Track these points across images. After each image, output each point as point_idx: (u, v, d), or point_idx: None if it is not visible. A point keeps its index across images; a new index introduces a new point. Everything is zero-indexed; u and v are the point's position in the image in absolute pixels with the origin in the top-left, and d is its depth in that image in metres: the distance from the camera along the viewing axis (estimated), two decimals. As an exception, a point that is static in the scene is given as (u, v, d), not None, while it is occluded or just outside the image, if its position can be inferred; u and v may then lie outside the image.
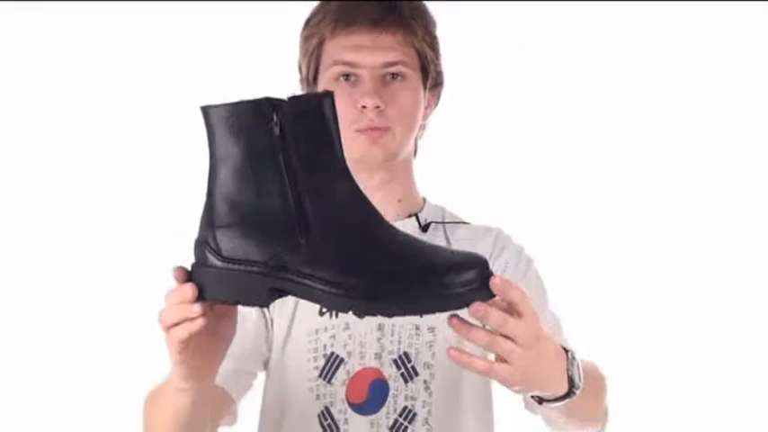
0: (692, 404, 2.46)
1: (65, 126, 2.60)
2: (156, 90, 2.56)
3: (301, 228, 0.95)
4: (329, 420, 1.33)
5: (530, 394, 1.09)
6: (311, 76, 1.42)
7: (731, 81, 2.54)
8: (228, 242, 0.97)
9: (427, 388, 1.34)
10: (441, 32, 1.45)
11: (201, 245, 0.99)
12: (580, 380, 1.08)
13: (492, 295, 0.94)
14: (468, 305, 0.94)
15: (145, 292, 2.45)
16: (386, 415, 1.33)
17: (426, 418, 1.33)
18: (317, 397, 1.34)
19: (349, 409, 1.33)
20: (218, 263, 0.98)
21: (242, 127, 0.95)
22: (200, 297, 0.99)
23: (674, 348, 2.48)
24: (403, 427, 1.32)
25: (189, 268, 1.01)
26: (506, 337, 0.98)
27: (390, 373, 1.34)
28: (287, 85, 1.51)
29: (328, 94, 0.95)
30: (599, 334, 2.39)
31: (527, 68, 2.52)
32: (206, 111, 0.97)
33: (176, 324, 1.01)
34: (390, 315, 0.94)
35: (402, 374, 1.34)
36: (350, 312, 0.94)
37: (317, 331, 1.37)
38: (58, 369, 2.52)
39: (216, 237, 0.98)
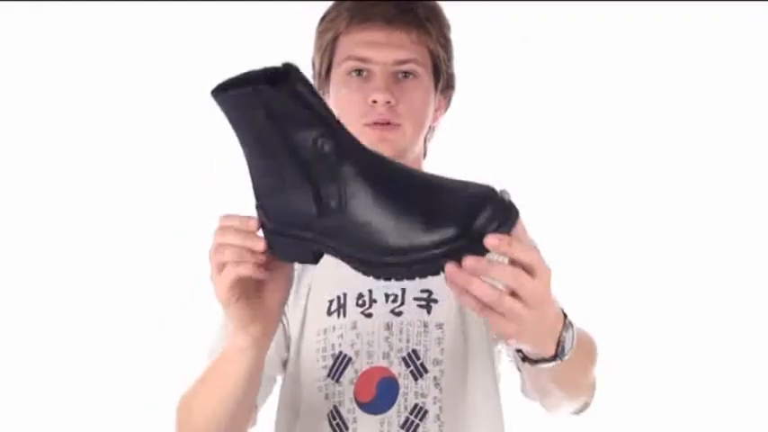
0: (693, 404, 2.47)
1: (66, 126, 2.60)
2: (160, 91, 2.57)
3: (316, 197, 0.97)
4: (338, 420, 1.33)
5: (516, 349, 1.07)
6: (324, 70, 1.43)
7: (731, 80, 2.55)
8: (270, 212, 1.02)
9: (437, 385, 1.33)
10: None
11: (257, 209, 1.04)
12: (571, 347, 1.06)
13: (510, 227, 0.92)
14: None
15: (144, 294, 2.48)
16: (397, 413, 1.32)
17: (438, 415, 1.32)
18: (326, 396, 1.34)
19: (357, 409, 1.33)
20: (268, 224, 1.03)
21: (237, 113, 0.99)
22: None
23: (676, 347, 2.49)
24: (414, 425, 1.32)
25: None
26: (514, 294, 0.93)
27: (400, 371, 1.33)
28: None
29: (290, 66, 0.96)
30: (605, 332, 2.40)
31: (535, 68, 2.53)
32: (216, 98, 0.99)
33: (232, 262, 1.02)
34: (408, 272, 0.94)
35: (411, 372, 1.33)
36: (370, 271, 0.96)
37: (325, 331, 1.37)
38: (59, 370, 2.52)
39: (265, 201, 1.03)
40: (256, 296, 1.08)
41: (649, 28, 2.54)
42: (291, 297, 1.37)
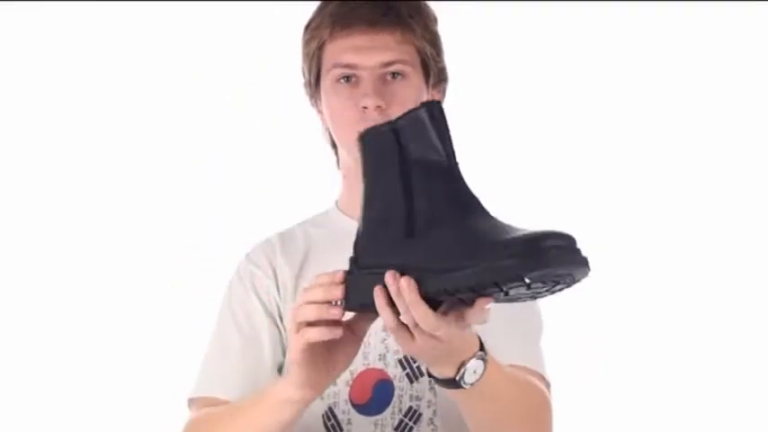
0: (694, 405, 2.46)
1: (65, 126, 2.60)
2: (157, 90, 2.57)
3: (408, 229, 1.00)
4: (332, 421, 1.33)
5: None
6: (313, 79, 1.42)
7: (731, 80, 2.54)
8: (362, 250, 1.06)
9: (432, 388, 1.33)
10: (445, 32, 1.44)
11: (351, 257, 1.08)
12: (476, 377, 1.06)
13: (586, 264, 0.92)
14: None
15: (143, 294, 2.48)
16: (391, 415, 1.32)
17: (431, 419, 1.32)
18: (321, 397, 1.33)
19: (352, 410, 1.33)
20: (354, 271, 1.06)
21: (370, 147, 1.07)
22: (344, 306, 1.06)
23: (676, 348, 2.49)
24: (408, 428, 1.32)
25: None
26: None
27: (395, 373, 1.33)
28: (290, 87, 1.52)
29: (433, 102, 1.02)
30: (605, 334, 2.40)
31: (534, 66, 2.52)
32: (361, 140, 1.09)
33: (311, 324, 1.04)
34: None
35: (407, 375, 1.33)
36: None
37: (320, 331, 1.37)
38: (58, 369, 2.52)
39: (357, 246, 1.07)
40: (323, 360, 1.09)
41: (652, 28, 2.53)
42: (290, 292, 1.38)
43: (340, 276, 1.05)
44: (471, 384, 1.06)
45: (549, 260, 0.88)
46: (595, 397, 2.36)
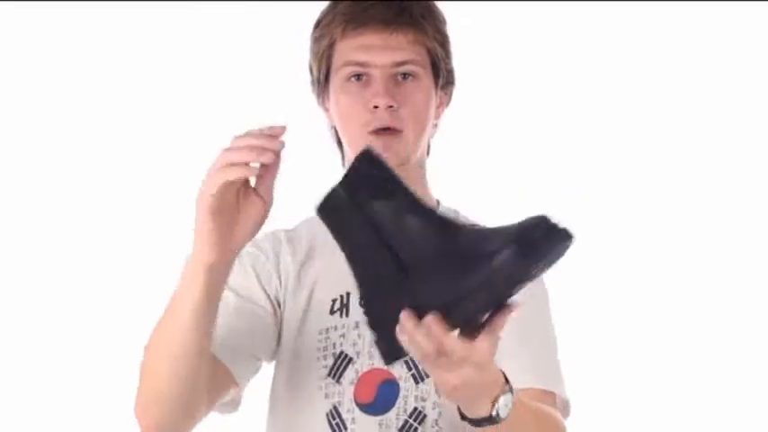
0: (694, 406, 2.47)
1: (65, 126, 2.60)
2: (157, 91, 2.57)
3: (400, 272, 1.01)
4: (337, 420, 1.33)
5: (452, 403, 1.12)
6: (323, 76, 1.41)
7: (732, 82, 2.55)
8: (371, 309, 1.07)
9: (437, 390, 1.33)
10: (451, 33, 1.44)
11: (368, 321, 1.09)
12: (508, 411, 1.08)
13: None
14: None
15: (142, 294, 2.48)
16: (396, 416, 1.32)
17: (436, 420, 1.33)
18: (326, 396, 1.34)
19: (357, 409, 1.33)
20: (375, 331, 1.07)
21: (327, 213, 1.07)
22: None
23: (677, 349, 2.49)
24: (413, 429, 1.32)
25: None
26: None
27: (401, 373, 1.34)
28: (294, 86, 1.52)
29: (365, 150, 1.04)
30: (607, 337, 2.40)
31: (539, 69, 2.53)
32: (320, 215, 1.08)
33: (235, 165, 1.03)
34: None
35: (413, 375, 1.33)
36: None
37: (327, 330, 1.37)
38: (58, 369, 2.52)
39: (367, 306, 1.07)
40: (227, 223, 1.08)
41: (654, 29, 2.54)
42: (292, 284, 1.38)
43: (280, 129, 1.06)
44: (505, 418, 1.07)
45: (545, 250, 0.96)
46: (600, 403, 2.36)
